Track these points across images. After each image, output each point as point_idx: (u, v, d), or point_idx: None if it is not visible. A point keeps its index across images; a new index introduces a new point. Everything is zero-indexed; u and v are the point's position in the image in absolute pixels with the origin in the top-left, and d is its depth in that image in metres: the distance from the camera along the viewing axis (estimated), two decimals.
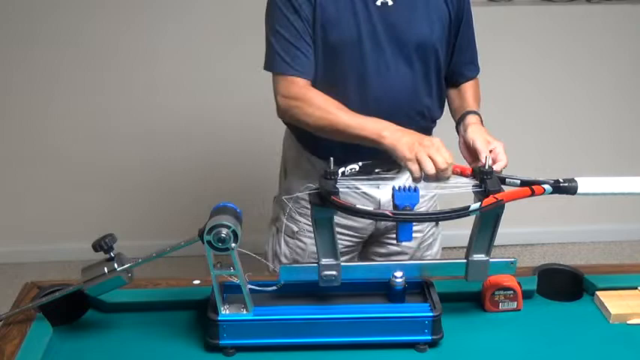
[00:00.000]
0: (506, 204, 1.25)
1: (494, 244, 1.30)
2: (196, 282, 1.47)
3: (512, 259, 1.34)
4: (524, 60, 3.03)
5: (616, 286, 1.45)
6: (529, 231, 3.30)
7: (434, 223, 1.80)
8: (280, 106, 1.56)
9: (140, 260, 1.30)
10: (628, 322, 1.39)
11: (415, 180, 1.35)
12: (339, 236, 1.33)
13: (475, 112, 1.62)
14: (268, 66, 1.58)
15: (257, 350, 1.29)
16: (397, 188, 1.26)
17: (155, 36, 2.91)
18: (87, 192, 3.14)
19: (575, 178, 1.31)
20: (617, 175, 1.34)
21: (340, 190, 1.25)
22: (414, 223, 1.29)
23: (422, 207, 1.74)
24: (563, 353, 1.30)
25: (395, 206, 1.26)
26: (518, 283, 1.41)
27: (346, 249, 1.75)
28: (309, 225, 1.64)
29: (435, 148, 1.35)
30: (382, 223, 1.72)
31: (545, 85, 3.09)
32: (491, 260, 1.31)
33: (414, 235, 1.50)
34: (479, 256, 1.31)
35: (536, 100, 3.11)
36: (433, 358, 1.29)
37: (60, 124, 3.03)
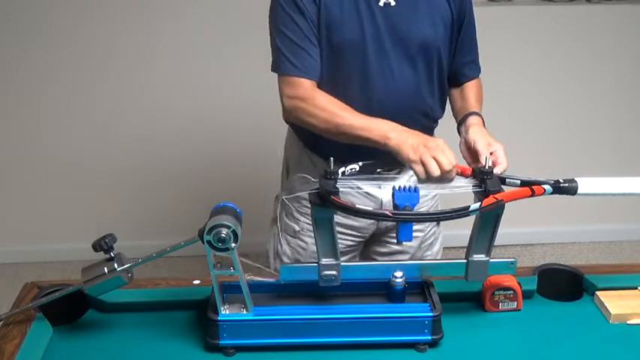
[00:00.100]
0: (506, 204, 1.25)
1: (495, 244, 1.30)
2: (196, 282, 1.47)
3: (512, 259, 1.34)
4: (524, 60, 3.03)
5: (616, 286, 1.45)
6: (529, 231, 3.30)
7: (435, 223, 1.80)
8: (286, 107, 1.56)
9: (140, 260, 1.30)
10: (628, 322, 1.39)
11: (420, 181, 1.35)
12: (340, 236, 1.33)
13: (477, 114, 1.62)
14: (275, 67, 1.57)
15: (257, 350, 1.29)
16: (397, 188, 1.26)
17: (155, 36, 2.91)
18: (87, 192, 3.13)
19: (576, 179, 1.31)
20: (617, 175, 1.34)
21: (343, 189, 1.25)
22: (414, 223, 1.29)
23: (423, 207, 1.74)
24: (563, 353, 1.30)
25: (395, 206, 1.26)
26: (519, 283, 1.41)
27: (348, 248, 1.75)
28: (311, 224, 1.64)
29: (440, 150, 1.35)
30: (383, 222, 1.72)
31: (546, 85, 3.09)
32: (491, 260, 1.31)
33: (415, 234, 1.50)
34: (479, 256, 1.31)
35: (536, 100, 3.11)
36: (433, 358, 1.29)
37: (60, 124, 3.02)
